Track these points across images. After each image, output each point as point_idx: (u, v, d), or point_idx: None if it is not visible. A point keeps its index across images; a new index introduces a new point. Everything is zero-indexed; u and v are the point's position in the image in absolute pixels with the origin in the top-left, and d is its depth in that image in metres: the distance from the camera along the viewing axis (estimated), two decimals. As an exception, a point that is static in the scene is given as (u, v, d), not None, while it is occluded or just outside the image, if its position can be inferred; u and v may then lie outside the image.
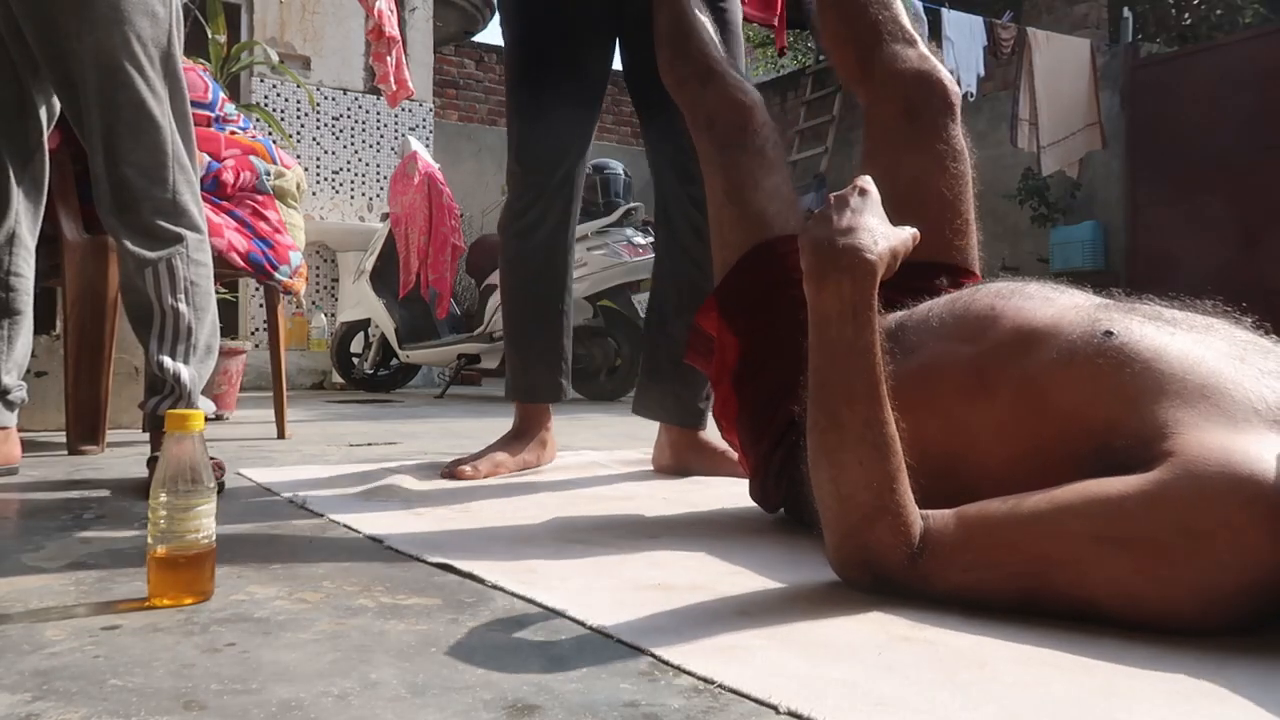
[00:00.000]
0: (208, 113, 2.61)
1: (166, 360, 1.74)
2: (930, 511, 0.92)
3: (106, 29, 1.64)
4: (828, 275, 0.96)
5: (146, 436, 2.65)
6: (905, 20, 1.52)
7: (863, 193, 1.05)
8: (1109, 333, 0.97)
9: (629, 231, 4.70)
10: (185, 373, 1.75)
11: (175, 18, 1.77)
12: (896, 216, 1.42)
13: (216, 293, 3.45)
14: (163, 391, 1.75)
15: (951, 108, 1.43)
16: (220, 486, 1.58)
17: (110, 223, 1.73)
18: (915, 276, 1.40)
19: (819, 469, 0.96)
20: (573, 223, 2.05)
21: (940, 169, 1.38)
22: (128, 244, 1.71)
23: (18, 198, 1.89)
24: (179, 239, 1.75)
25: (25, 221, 1.92)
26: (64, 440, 2.27)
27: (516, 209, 2.01)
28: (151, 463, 1.71)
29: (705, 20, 1.64)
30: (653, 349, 2.04)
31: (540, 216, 1.99)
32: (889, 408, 0.94)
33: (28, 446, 1.84)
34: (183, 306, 1.75)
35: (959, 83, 6.77)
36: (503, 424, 3.38)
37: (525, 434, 2.03)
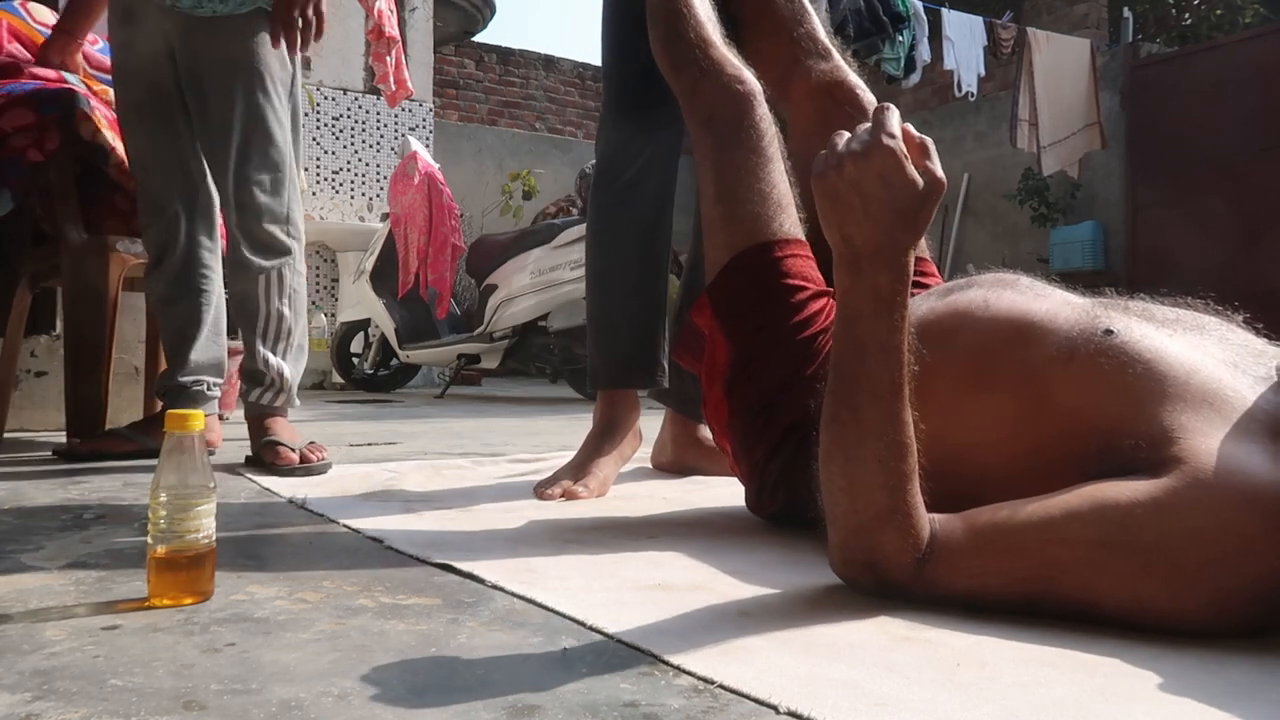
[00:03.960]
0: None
1: (272, 357, 2.02)
2: (936, 515, 0.92)
3: (248, 71, 1.95)
4: (863, 269, 0.92)
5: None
6: (822, 34, 1.57)
7: None
8: (1109, 331, 0.97)
9: None
10: (288, 369, 2.03)
11: (299, 60, 2.07)
12: None
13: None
14: (264, 384, 2.01)
15: (864, 111, 1.48)
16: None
17: (233, 234, 1.99)
18: None
19: (832, 463, 0.93)
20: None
21: None
22: (246, 252, 1.98)
23: (185, 231, 2.08)
24: (289, 250, 2.03)
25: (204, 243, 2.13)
26: (64, 440, 2.27)
27: (623, 157, 1.78)
28: (267, 449, 1.93)
29: None
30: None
31: (650, 162, 1.76)
32: (910, 408, 0.92)
33: (27, 446, 1.86)
34: (286, 310, 2.03)
35: (959, 83, 6.76)
36: (502, 424, 3.39)
37: (616, 426, 1.78)
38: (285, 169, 2.02)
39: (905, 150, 0.88)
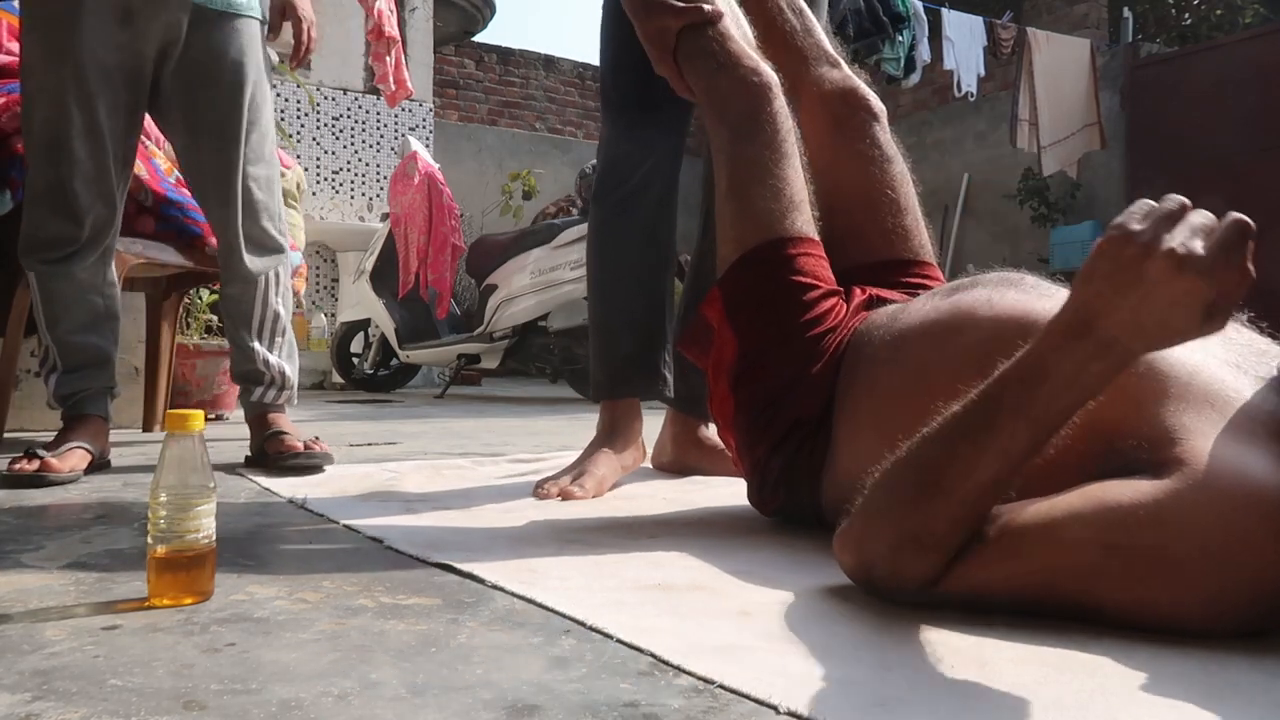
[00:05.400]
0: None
1: (270, 356, 2.04)
2: None
3: (255, 69, 1.99)
4: (1086, 344, 0.79)
5: (146, 436, 2.66)
6: (828, 44, 1.60)
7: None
8: None
9: None
10: (288, 368, 2.07)
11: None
12: (847, 223, 1.46)
13: (214, 292, 3.48)
14: (264, 382, 2.04)
15: (876, 116, 1.52)
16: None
17: (232, 236, 1.98)
18: (894, 273, 1.41)
19: (913, 473, 0.89)
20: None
21: (880, 172, 1.46)
22: (246, 254, 1.98)
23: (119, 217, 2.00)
24: (282, 249, 2.06)
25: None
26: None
27: (627, 164, 1.77)
28: (271, 440, 1.95)
29: None
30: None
31: (654, 168, 1.76)
32: (1016, 480, 0.86)
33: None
34: (281, 309, 2.06)
35: (959, 83, 6.77)
36: (502, 424, 3.40)
37: (618, 434, 1.80)
38: (275, 165, 2.07)
39: (1217, 289, 0.73)
